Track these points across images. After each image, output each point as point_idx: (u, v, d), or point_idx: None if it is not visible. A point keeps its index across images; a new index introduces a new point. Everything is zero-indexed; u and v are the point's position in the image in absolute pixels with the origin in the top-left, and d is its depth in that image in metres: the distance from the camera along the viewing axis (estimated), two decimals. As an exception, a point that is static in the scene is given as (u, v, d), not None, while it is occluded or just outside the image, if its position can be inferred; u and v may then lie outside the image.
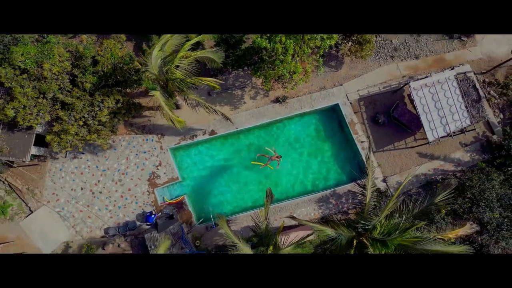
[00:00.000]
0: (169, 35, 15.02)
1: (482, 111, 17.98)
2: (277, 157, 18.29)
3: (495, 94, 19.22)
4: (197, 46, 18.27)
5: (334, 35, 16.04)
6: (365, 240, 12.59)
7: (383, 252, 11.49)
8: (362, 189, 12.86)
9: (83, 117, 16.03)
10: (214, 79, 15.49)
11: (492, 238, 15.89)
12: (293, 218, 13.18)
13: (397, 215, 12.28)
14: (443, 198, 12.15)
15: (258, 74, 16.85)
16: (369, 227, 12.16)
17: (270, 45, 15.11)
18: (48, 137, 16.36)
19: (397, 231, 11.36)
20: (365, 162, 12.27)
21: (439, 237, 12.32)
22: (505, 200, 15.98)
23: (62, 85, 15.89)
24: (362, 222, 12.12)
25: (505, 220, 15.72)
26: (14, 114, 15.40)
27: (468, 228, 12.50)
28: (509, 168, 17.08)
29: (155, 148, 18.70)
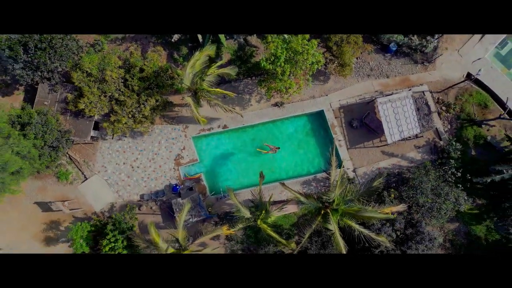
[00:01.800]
0: (197, 55, 20.56)
1: (431, 122, 23.57)
2: (276, 148, 24.15)
3: (445, 109, 24.76)
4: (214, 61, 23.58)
5: (320, 59, 21.51)
6: (328, 210, 18.51)
7: (337, 217, 17.45)
8: (328, 175, 18.73)
9: (132, 111, 21.72)
10: (231, 92, 21.08)
11: (425, 216, 21.78)
12: (282, 184, 19.02)
13: (350, 194, 18.13)
14: (378, 182, 18.05)
15: (262, 85, 22.44)
16: (330, 200, 18.06)
17: (272, 67, 20.62)
18: (105, 124, 22.13)
19: (342, 201, 17.35)
20: (330, 157, 17.96)
21: (379, 211, 18.16)
22: (437, 190, 21.80)
23: (117, 87, 21.56)
24: (324, 196, 18.03)
25: (436, 204, 21.56)
26: (83, 107, 21.15)
27: (400, 207, 18.37)
28: (445, 167, 22.83)
29: (180, 136, 24.44)
